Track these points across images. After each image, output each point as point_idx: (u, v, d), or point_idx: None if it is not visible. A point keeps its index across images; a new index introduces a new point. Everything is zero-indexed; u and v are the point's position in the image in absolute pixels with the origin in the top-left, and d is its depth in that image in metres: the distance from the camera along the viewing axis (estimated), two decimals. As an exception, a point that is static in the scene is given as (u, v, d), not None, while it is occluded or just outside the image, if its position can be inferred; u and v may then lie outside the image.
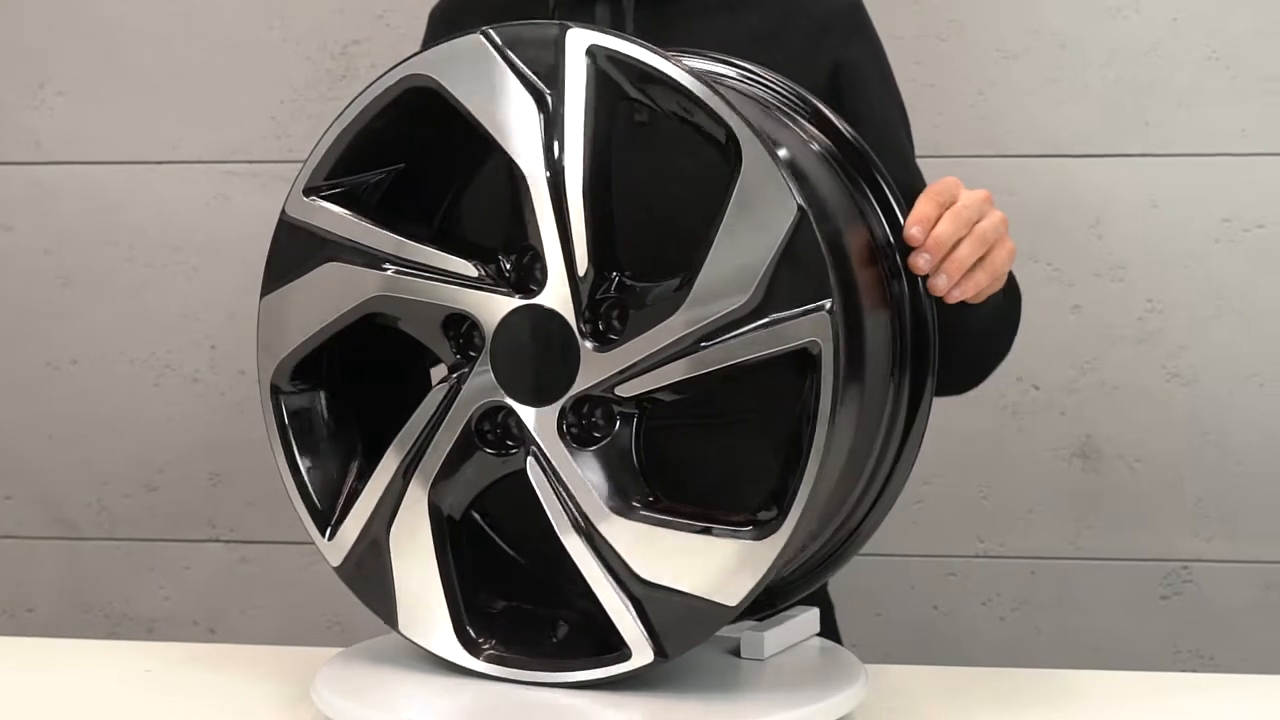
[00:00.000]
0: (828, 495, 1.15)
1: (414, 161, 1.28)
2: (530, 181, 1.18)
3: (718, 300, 1.13)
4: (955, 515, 2.23)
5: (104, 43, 2.31)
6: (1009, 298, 1.44)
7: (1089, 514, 2.22)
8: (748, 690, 1.23)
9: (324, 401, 1.30)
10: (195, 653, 1.52)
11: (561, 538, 1.19)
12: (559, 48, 1.17)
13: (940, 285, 1.21)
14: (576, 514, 1.18)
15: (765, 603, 1.29)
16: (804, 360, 1.12)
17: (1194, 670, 2.18)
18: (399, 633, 1.27)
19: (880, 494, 1.27)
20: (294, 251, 1.26)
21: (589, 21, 1.49)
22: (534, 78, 1.17)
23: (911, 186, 1.33)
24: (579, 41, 1.16)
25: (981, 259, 1.25)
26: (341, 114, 1.25)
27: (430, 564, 1.23)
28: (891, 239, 1.26)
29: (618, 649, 1.17)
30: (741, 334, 1.13)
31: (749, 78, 1.34)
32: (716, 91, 1.13)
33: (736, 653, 1.28)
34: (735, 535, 1.14)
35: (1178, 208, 2.17)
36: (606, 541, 1.17)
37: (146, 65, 2.30)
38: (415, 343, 1.27)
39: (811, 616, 1.35)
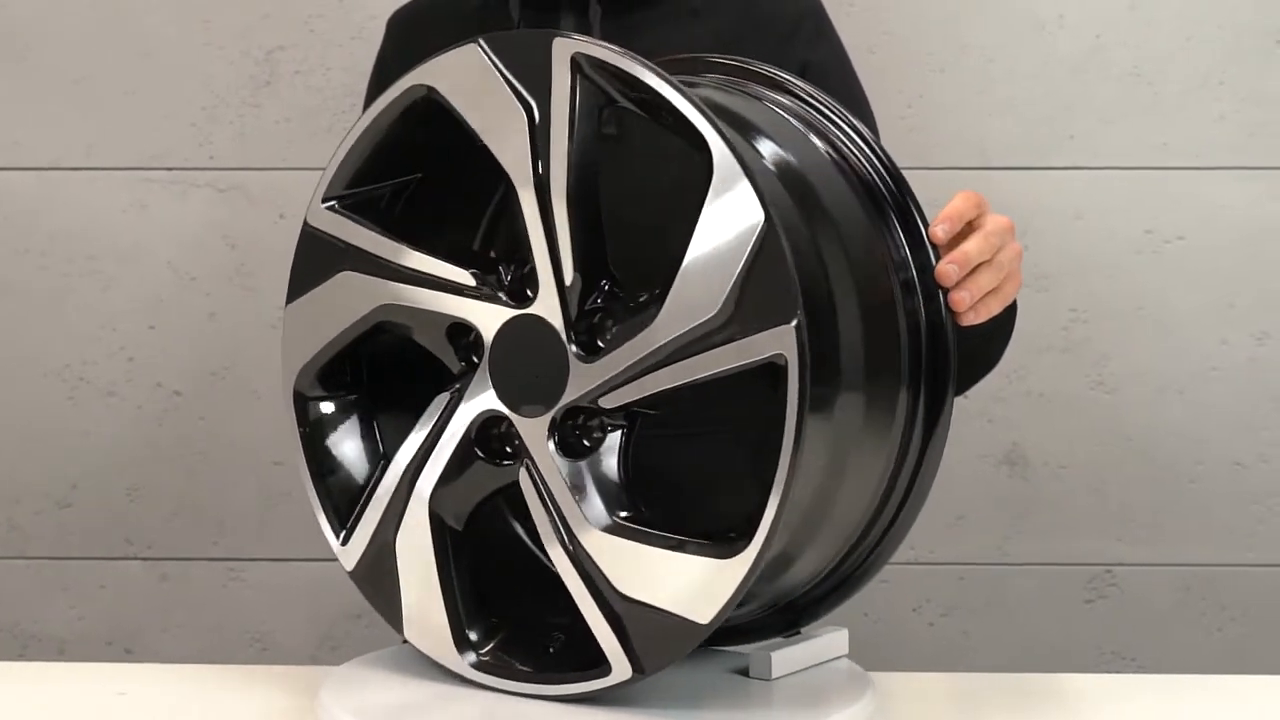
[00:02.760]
0: (803, 512, 1.13)
1: (441, 169, 1.28)
2: (519, 190, 1.18)
3: (691, 312, 1.10)
4: (886, 523, 2.25)
5: (14, 43, 2.23)
6: (1009, 314, 1.46)
7: (1016, 520, 2.26)
8: (750, 709, 1.22)
9: (347, 408, 1.31)
10: (170, 674, 1.47)
11: (547, 549, 1.18)
12: (545, 56, 1.16)
13: (963, 299, 1.22)
14: (561, 526, 1.17)
15: (788, 622, 1.28)
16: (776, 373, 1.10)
17: (1117, 671, 2.23)
18: (404, 639, 1.27)
19: (900, 509, 1.27)
20: (315, 260, 1.28)
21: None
22: (522, 87, 1.17)
23: None
24: (564, 50, 1.15)
25: (995, 288, 1.26)
26: (358, 122, 1.25)
27: (431, 572, 1.24)
28: (910, 257, 1.25)
29: (600, 663, 1.17)
30: (713, 347, 1.10)
31: (804, 96, 1.31)
32: (687, 96, 1.11)
33: (746, 672, 1.28)
34: (706, 553, 1.11)
35: (1101, 220, 2.22)
36: (588, 554, 1.16)
37: (60, 67, 2.23)
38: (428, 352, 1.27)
39: (839, 638, 1.34)
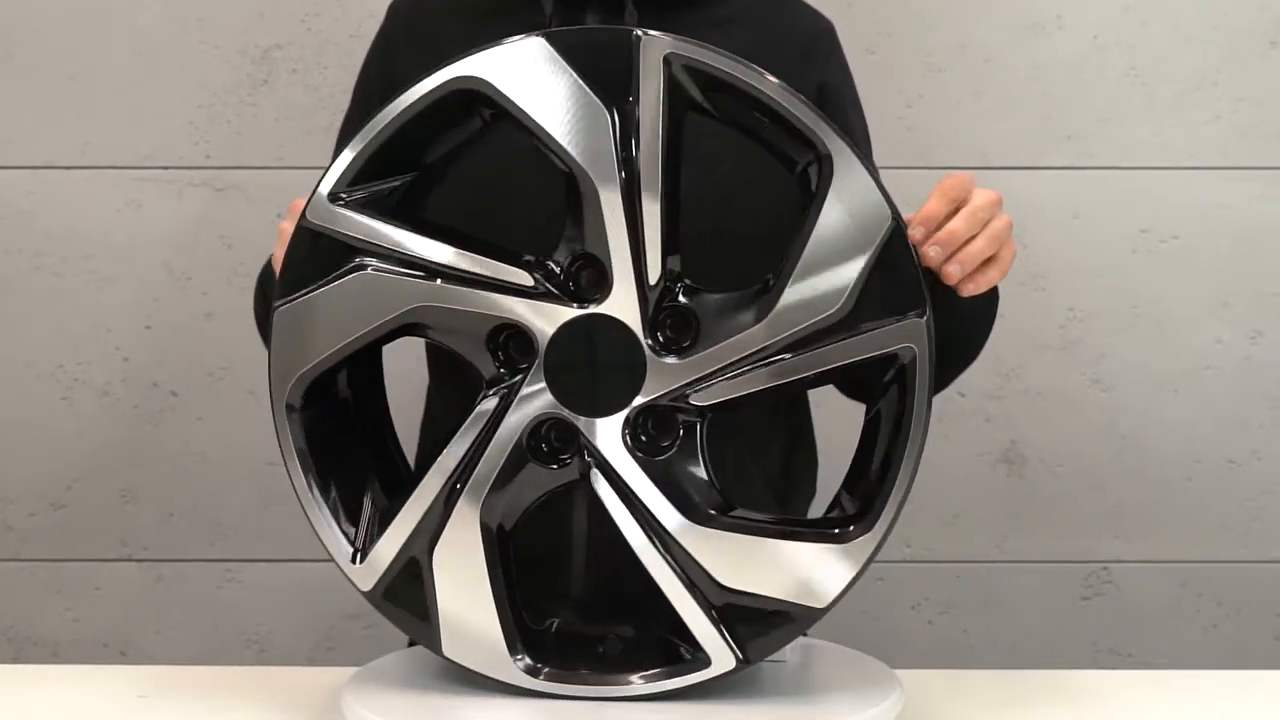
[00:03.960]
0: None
1: (429, 167, 1.26)
2: (601, 189, 1.16)
3: (805, 310, 1.15)
4: (884, 521, 2.26)
5: (7, 40, 2.21)
6: (990, 302, 1.47)
7: (1013, 518, 2.27)
8: (782, 700, 1.23)
9: (338, 418, 1.26)
10: (186, 676, 1.46)
11: (636, 550, 1.17)
12: (633, 54, 1.16)
13: (954, 272, 1.23)
14: (652, 526, 1.17)
15: None
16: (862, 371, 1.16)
17: (1113, 668, 2.25)
18: (443, 656, 1.23)
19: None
20: (316, 259, 1.21)
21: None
22: (603, 84, 1.16)
23: None
24: (655, 48, 1.16)
25: (991, 257, 1.28)
26: (377, 115, 1.21)
27: (481, 582, 1.20)
28: None
29: (690, 658, 1.18)
30: (832, 342, 1.15)
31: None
32: (805, 103, 1.14)
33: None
34: (822, 539, 1.16)
35: (1098, 219, 2.23)
36: (686, 551, 1.17)
37: (55, 65, 2.21)
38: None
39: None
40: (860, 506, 1.17)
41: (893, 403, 1.18)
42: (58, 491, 2.25)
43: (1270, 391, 2.24)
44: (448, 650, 1.22)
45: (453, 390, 1.44)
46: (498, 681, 1.21)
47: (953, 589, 2.28)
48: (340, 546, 1.23)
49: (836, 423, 1.55)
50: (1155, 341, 2.24)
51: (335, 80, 2.20)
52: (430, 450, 1.24)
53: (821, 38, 1.61)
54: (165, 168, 2.22)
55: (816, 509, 1.58)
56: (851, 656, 1.36)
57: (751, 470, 1.48)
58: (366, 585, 1.22)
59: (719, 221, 1.31)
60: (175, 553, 2.26)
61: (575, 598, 1.30)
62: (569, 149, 1.16)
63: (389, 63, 1.61)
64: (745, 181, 1.34)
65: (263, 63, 2.22)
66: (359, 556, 1.22)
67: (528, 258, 1.21)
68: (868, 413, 1.23)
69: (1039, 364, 2.24)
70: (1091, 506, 2.26)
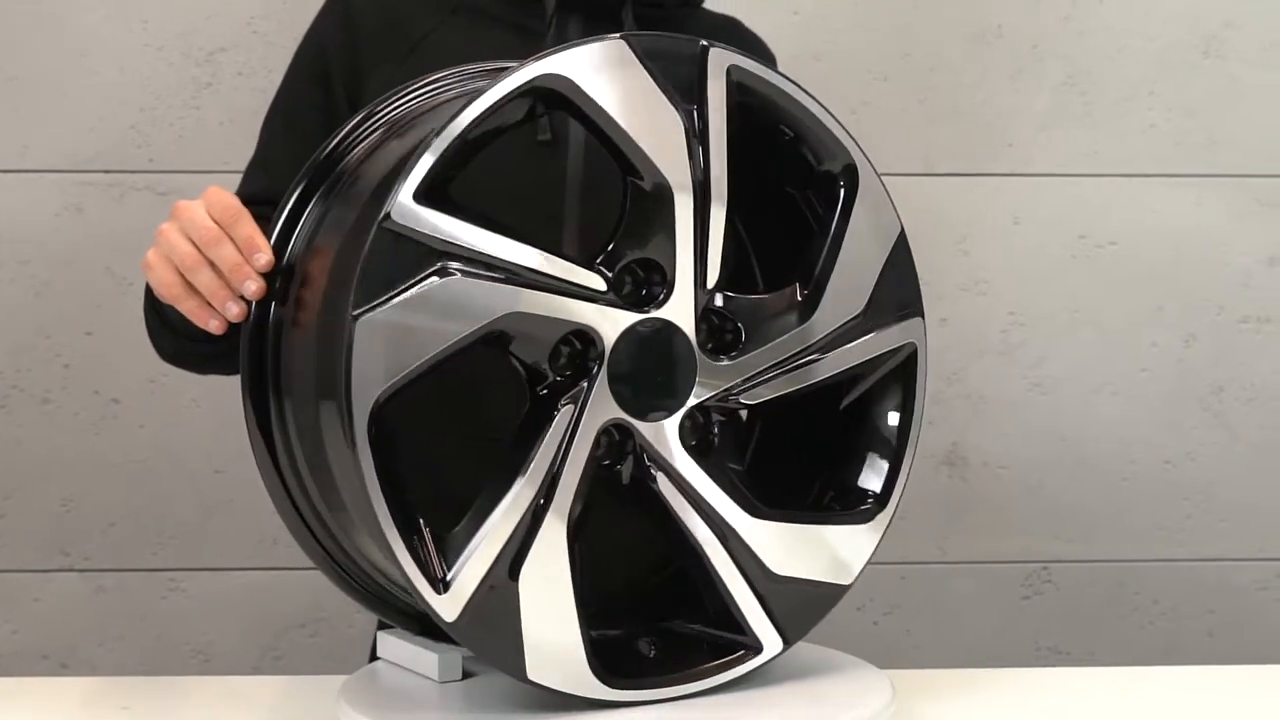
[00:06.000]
0: None
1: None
2: (677, 194, 1.17)
3: (839, 310, 1.24)
4: (830, 524, 2.28)
5: (-57, 42, 2.17)
6: None
7: (956, 520, 2.31)
8: (782, 699, 1.24)
9: (414, 434, 1.16)
10: (170, 687, 1.45)
11: (703, 546, 1.20)
12: (702, 65, 1.18)
13: None
14: (716, 521, 1.20)
15: None
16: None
17: (1053, 665, 2.29)
18: (528, 681, 1.14)
19: None
20: (399, 264, 1.09)
21: (575, 34, 1.49)
22: (676, 91, 1.17)
23: None
24: (720, 60, 1.19)
25: None
26: (459, 114, 1.11)
27: (567, 598, 1.14)
28: None
29: (739, 648, 1.22)
30: (856, 341, 1.24)
31: None
32: (835, 118, 1.23)
33: None
34: (846, 521, 1.25)
35: (1038, 225, 2.28)
36: (743, 543, 1.21)
37: (-7, 67, 2.18)
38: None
39: None
40: (882, 487, 1.28)
41: (895, 395, 1.30)
42: (-4, 501, 2.21)
43: (1202, 394, 2.30)
44: (532, 674, 1.14)
45: (449, 423, 1.35)
46: (579, 699, 1.17)
47: (897, 590, 2.31)
48: (421, 575, 1.11)
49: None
50: (1093, 344, 2.29)
51: (281, 84, 2.18)
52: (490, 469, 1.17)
53: (770, 64, 1.65)
54: (107, 171, 2.19)
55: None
56: (838, 659, 1.37)
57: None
58: (451, 615, 1.11)
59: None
60: (117, 562, 2.23)
61: (608, 603, 1.29)
62: (649, 153, 1.16)
63: (355, 40, 1.56)
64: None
65: (207, 65, 2.19)
66: (442, 585, 1.11)
67: (598, 261, 1.18)
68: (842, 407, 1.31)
69: (981, 367, 2.29)
70: (1031, 507, 2.30)
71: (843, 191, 1.25)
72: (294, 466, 1.23)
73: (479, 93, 1.11)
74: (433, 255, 1.09)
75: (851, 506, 1.28)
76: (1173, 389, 2.30)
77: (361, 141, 1.31)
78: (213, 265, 1.26)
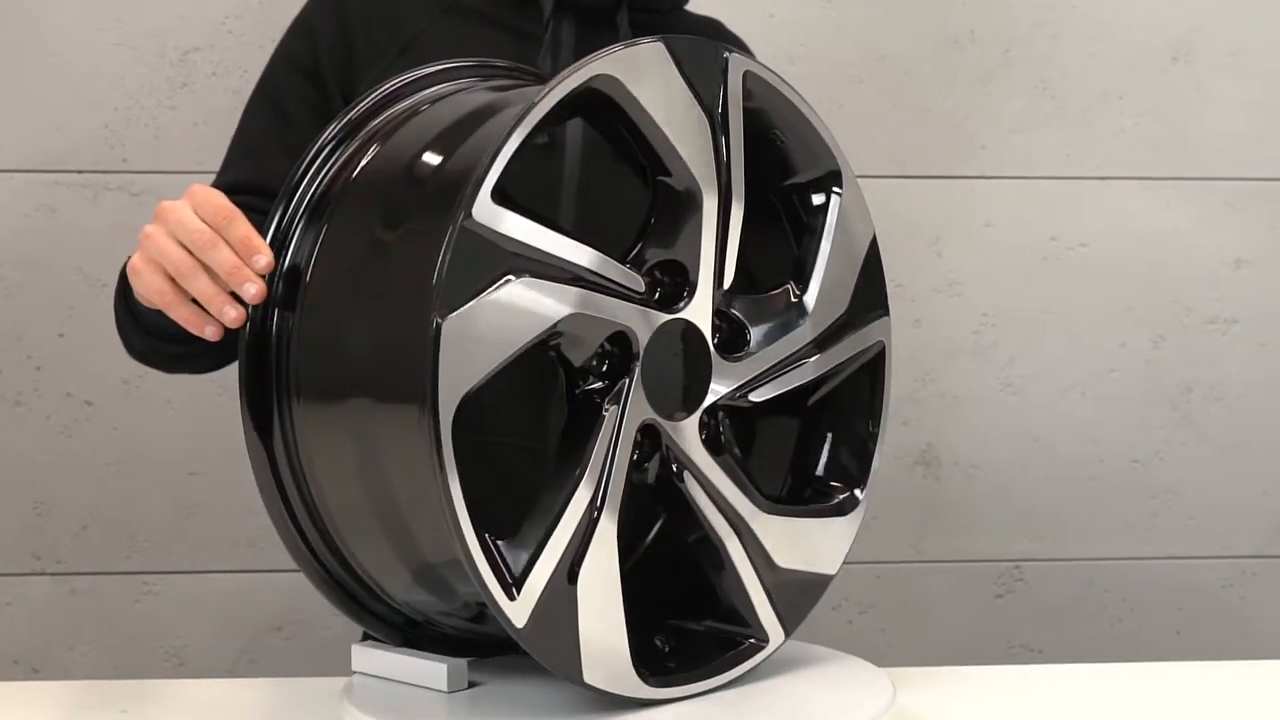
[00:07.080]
0: None
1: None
2: (704, 197, 1.19)
3: (829, 309, 1.29)
4: (805, 524, 2.30)
5: (-88, 41, 2.14)
6: None
7: (929, 519, 2.33)
8: (782, 700, 1.25)
9: (480, 438, 1.12)
10: (170, 689, 1.44)
11: (723, 542, 1.23)
12: (724, 71, 1.21)
13: None
14: (734, 517, 1.23)
15: None
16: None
17: (1025, 663, 2.31)
18: (584, 685, 1.14)
19: None
20: (479, 265, 1.07)
21: (570, 38, 1.49)
22: (702, 95, 1.19)
23: None
24: (738, 66, 1.22)
25: None
26: (531, 110, 1.09)
27: (616, 599, 1.15)
28: None
29: (746, 640, 1.25)
30: (844, 339, 1.30)
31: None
32: (824, 126, 1.29)
33: None
34: (830, 513, 1.31)
35: (1010, 227, 2.30)
36: (755, 538, 1.24)
37: (-37, 66, 2.15)
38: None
39: None
40: (855, 480, 1.34)
41: (864, 392, 1.36)
42: (-34, 505, 2.19)
43: (1171, 394, 2.33)
44: (589, 677, 1.14)
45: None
46: (623, 699, 1.16)
47: (872, 589, 2.33)
48: (495, 580, 1.08)
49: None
50: (1063, 346, 2.32)
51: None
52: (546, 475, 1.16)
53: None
54: (80, 171, 2.17)
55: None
56: (836, 657, 1.39)
57: None
58: (521, 620, 1.09)
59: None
60: (90, 566, 2.21)
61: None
62: (685, 156, 1.18)
63: (349, 32, 1.55)
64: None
65: (182, 65, 2.18)
66: (514, 590, 1.09)
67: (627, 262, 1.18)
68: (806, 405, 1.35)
69: (954, 368, 2.31)
70: (1003, 507, 2.33)
71: (833, 196, 1.31)
72: (293, 471, 1.23)
73: (534, 95, 1.10)
74: (507, 259, 1.08)
75: (826, 500, 1.34)
76: (1141, 389, 2.33)
77: (347, 149, 1.28)
78: (207, 270, 1.22)
